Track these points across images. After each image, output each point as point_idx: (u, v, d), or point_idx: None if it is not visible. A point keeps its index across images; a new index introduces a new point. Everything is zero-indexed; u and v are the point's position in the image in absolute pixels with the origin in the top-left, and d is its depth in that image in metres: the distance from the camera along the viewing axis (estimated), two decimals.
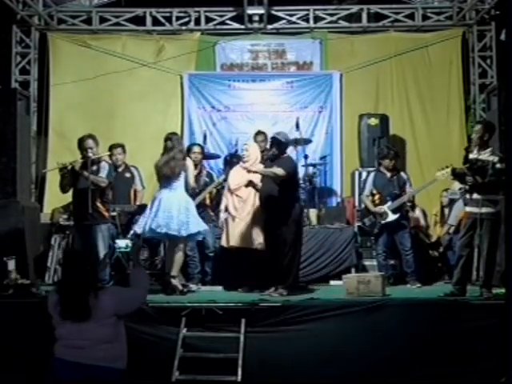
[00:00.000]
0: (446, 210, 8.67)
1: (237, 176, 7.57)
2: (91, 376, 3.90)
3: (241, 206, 7.43)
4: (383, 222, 7.96)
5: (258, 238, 7.29)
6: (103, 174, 6.96)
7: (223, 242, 7.56)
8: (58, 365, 3.99)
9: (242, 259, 7.41)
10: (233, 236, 7.41)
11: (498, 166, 6.36)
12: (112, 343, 3.98)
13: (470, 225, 6.60)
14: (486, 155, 6.51)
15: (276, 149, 7.21)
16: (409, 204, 8.23)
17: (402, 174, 8.25)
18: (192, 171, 7.27)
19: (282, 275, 7.02)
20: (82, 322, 3.92)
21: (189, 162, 7.25)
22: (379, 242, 8.05)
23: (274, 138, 7.31)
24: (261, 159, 7.60)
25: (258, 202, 7.34)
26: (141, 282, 4.24)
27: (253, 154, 7.57)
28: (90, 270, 4.05)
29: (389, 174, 8.10)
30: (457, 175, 6.79)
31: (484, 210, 6.47)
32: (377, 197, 8.09)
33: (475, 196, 6.55)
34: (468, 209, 6.72)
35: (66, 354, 3.94)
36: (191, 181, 7.22)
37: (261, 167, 7.29)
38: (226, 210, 7.57)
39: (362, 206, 9.12)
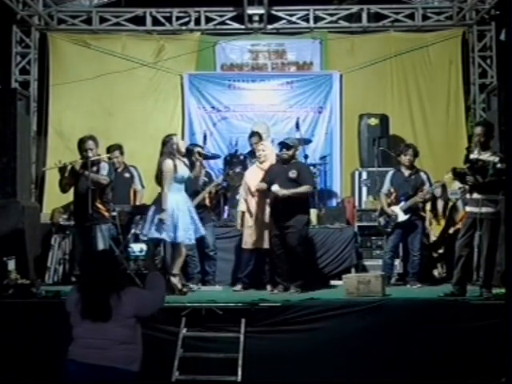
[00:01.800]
0: (438, 204, 8.65)
1: (256, 177, 7.54)
2: (108, 378, 3.86)
3: (263, 207, 7.44)
4: (395, 221, 7.94)
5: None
6: (104, 172, 6.97)
7: (247, 245, 7.54)
8: (73, 368, 3.93)
9: (259, 258, 7.51)
10: (257, 238, 7.44)
11: (498, 165, 6.38)
12: (130, 344, 3.96)
13: (470, 224, 6.61)
14: (486, 155, 6.52)
15: (287, 152, 7.34)
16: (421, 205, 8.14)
17: (422, 173, 8.09)
18: (169, 171, 6.89)
19: (295, 273, 7.19)
20: (102, 322, 3.90)
21: (166, 165, 6.91)
22: (389, 241, 8.03)
23: (283, 143, 7.45)
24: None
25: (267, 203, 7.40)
26: (158, 285, 4.23)
27: (269, 154, 7.59)
28: (114, 270, 4.05)
29: (407, 173, 8.02)
30: (457, 175, 6.79)
31: (484, 209, 6.47)
32: (393, 196, 8.06)
33: (475, 196, 6.56)
34: (468, 208, 6.72)
35: (83, 356, 3.89)
36: (166, 180, 6.89)
37: (290, 190, 7.17)
38: (244, 211, 7.59)
39: (363, 205, 9.17)
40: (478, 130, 6.69)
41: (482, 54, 10.39)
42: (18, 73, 10.37)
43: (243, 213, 7.61)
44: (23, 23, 10.25)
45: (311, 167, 9.30)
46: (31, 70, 10.38)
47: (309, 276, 7.42)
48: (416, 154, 8.09)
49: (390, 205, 8.03)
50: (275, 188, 7.15)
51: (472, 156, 6.58)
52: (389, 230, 8.01)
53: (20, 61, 10.38)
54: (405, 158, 8.02)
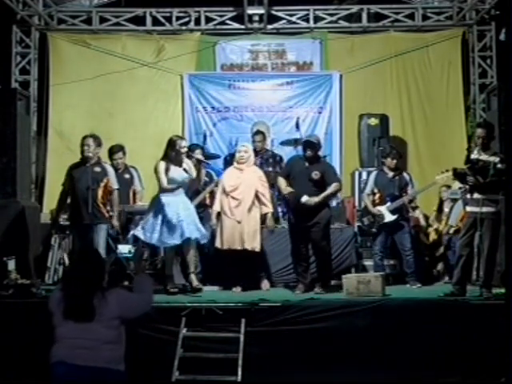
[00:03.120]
0: (445, 206, 8.66)
1: (231, 177, 7.54)
2: (100, 379, 3.79)
3: (236, 207, 7.41)
4: (381, 222, 7.96)
5: (254, 240, 7.37)
6: (113, 180, 7.14)
7: (218, 244, 7.49)
8: (63, 370, 3.84)
9: (237, 259, 7.44)
10: (228, 238, 7.39)
11: (498, 166, 6.40)
12: (115, 344, 3.89)
13: (471, 224, 6.61)
14: (486, 156, 6.54)
15: (311, 151, 7.31)
16: (412, 205, 8.20)
17: (405, 174, 8.18)
18: (158, 173, 7.01)
19: (321, 273, 7.33)
20: (85, 322, 3.81)
21: (158, 166, 7.01)
22: (376, 242, 8.04)
23: (308, 141, 7.43)
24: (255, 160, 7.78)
25: (255, 204, 7.39)
26: (145, 288, 4.13)
27: (250, 156, 7.61)
28: (98, 269, 3.98)
29: (391, 174, 8.07)
30: (458, 175, 6.79)
31: (484, 209, 6.48)
32: (377, 196, 8.09)
33: (476, 196, 6.56)
34: (468, 208, 6.72)
35: (72, 357, 3.81)
36: (162, 181, 7.00)
37: (320, 196, 7.16)
38: (219, 212, 7.52)
39: (362, 205, 9.16)
40: (480, 131, 6.69)
41: (482, 54, 10.38)
42: (18, 73, 10.35)
43: (218, 213, 7.54)
44: (23, 23, 10.24)
45: None
46: (31, 70, 10.37)
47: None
48: (400, 156, 8.21)
49: (374, 205, 8.06)
50: (305, 199, 7.12)
51: (472, 156, 6.59)
52: (373, 230, 8.04)
53: (20, 61, 10.37)
54: (391, 162, 8.06)
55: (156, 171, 7.03)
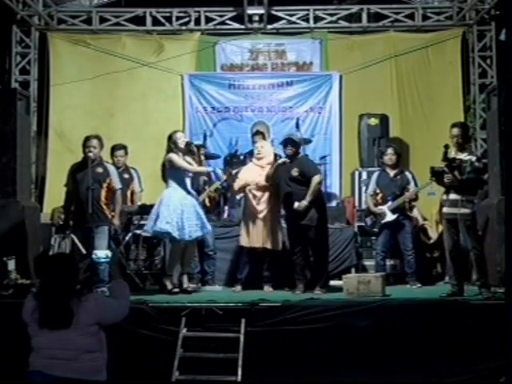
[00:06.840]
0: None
1: (252, 174, 7.55)
2: None
3: (259, 205, 7.44)
4: (383, 221, 7.96)
5: (276, 238, 7.45)
6: (115, 179, 7.14)
7: (244, 242, 7.50)
8: (40, 379, 3.71)
9: (262, 258, 7.50)
10: (253, 236, 7.41)
11: (476, 164, 6.46)
12: (94, 353, 3.76)
13: (449, 225, 6.63)
14: (464, 155, 6.58)
15: (291, 147, 7.32)
16: (412, 204, 8.19)
17: (407, 173, 8.18)
18: (178, 161, 7.05)
19: (318, 273, 7.28)
20: (62, 330, 3.68)
21: (173, 158, 7.07)
22: (378, 242, 8.05)
23: (289, 139, 7.42)
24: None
25: (273, 202, 7.43)
26: (122, 294, 4.02)
27: (268, 151, 7.65)
28: (73, 275, 3.84)
29: (392, 174, 8.07)
30: (435, 174, 6.74)
31: (462, 210, 6.49)
32: (379, 196, 8.09)
33: (452, 196, 6.57)
34: (445, 209, 6.71)
35: (49, 368, 3.68)
36: (186, 167, 7.11)
37: (307, 199, 7.12)
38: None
39: (363, 205, 9.17)
40: (456, 130, 6.73)
41: (481, 54, 10.38)
42: (18, 73, 10.35)
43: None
44: (23, 23, 10.24)
45: None
46: (31, 70, 10.36)
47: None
48: (398, 153, 8.15)
49: (376, 205, 8.06)
50: (296, 205, 7.13)
51: (450, 155, 6.61)
52: (376, 230, 8.04)
53: (20, 61, 10.36)
54: (386, 158, 8.09)
55: (175, 163, 7.01)
